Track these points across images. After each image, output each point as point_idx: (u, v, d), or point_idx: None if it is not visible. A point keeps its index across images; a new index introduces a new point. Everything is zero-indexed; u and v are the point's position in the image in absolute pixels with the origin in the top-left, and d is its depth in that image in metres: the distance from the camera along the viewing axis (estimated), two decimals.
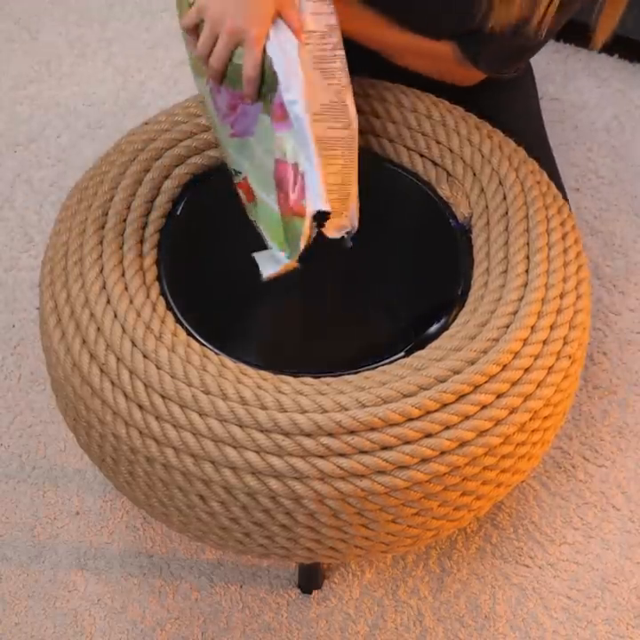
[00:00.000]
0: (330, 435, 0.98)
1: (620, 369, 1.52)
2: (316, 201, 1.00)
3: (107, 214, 1.15)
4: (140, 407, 1.01)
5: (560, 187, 1.25)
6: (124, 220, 1.14)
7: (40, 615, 1.34)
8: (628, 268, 1.62)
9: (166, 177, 1.19)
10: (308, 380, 1.03)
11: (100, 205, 1.15)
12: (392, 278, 1.14)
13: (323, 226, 1.01)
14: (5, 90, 1.88)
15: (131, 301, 1.08)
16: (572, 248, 1.13)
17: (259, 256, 1.07)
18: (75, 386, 1.05)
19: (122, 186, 1.16)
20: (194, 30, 1.04)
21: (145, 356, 1.04)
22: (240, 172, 1.09)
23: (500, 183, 1.16)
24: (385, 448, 0.98)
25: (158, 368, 1.03)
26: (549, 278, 1.09)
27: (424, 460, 0.99)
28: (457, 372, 1.02)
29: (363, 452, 0.98)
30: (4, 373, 1.53)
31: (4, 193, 1.73)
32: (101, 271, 1.10)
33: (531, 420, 1.04)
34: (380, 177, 1.20)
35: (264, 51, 1.01)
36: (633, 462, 1.44)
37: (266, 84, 1.02)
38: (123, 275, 1.10)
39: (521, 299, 1.08)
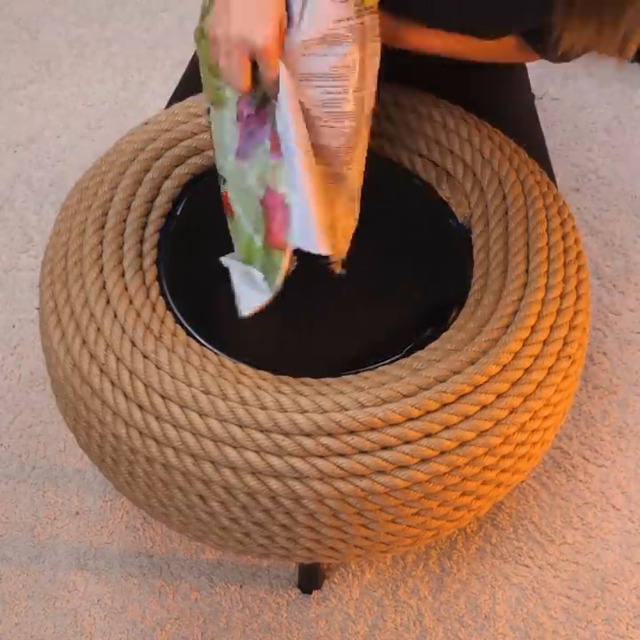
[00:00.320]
0: (329, 435, 0.98)
1: (619, 369, 1.52)
2: (297, 238, 0.99)
3: (107, 214, 1.15)
4: (140, 407, 1.01)
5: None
6: (124, 220, 1.14)
7: (40, 615, 1.34)
8: (627, 267, 1.62)
9: (166, 177, 1.19)
10: (308, 380, 1.03)
11: (99, 205, 1.15)
12: (392, 279, 1.14)
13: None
14: (5, 90, 1.88)
15: (130, 301, 1.08)
16: (572, 248, 1.13)
17: (240, 290, 1.06)
18: (75, 386, 1.05)
19: (122, 186, 1.16)
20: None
21: (145, 357, 1.04)
22: (226, 181, 1.08)
23: (500, 184, 1.16)
24: (385, 448, 0.98)
25: (158, 368, 1.03)
26: (549, 279, 1.09)
27: (424, 460, 0.99)
28: (457, 372, 1.02)
29: (362, 451, 0.98)
30: (4, 373, 1.53)
31: (3, 193, 1.73)
32: (101, 271, 1.10)
33: (531, 419, 1.04)
34: (379, 177, 1.20)
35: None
36: (633, 462, 1.44)
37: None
38: (123, 275, 1.10)
39: (521, 299, 1.08)
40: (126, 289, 1.09)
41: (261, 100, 1.02)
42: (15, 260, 1.65)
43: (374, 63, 1.02)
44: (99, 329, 1.06)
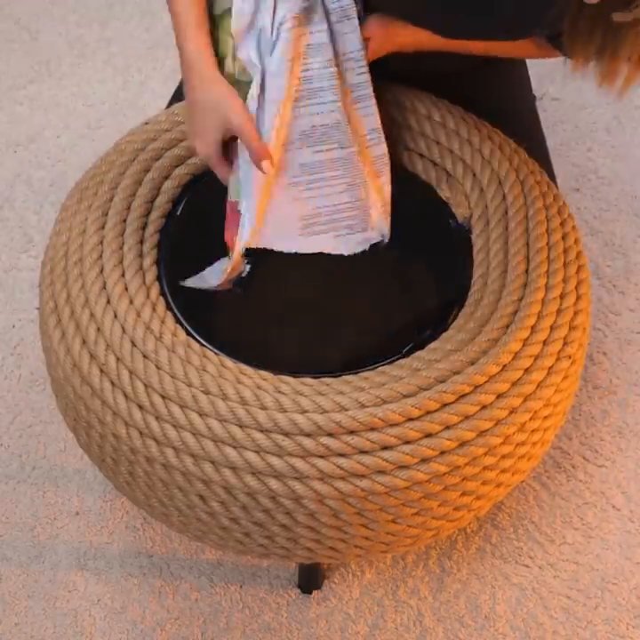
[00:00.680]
0: (330, 435, 0.98)
1: (619, 369, 1.52)
2: (242, 240, 1.09)
3: (107, 214, 1.15)
4: (140, 407, 1.01)
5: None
6: (124, 221, 1.14)
7: (40, 615, 1.34)
8: (627, 267, 1.62)
9: (166, 177, 1.19)
10: (308, 380, 1.03)
11: (100, 205, 1.15)
12: (392, 279, 1.14)
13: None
14: (5, 90, 1.88)
15: (131, 301, 1.08)
16: (572, 248, 1.13)
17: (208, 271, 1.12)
18: (75, 386, 1.05)
19: (122, 186, 1.16)
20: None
21: (145, 357, 1.04)
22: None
23: (500, 184, 1.16)
24: (385, 448, 0.98)
25: (158, 368, 1.03)
26: (549, 279, 1.09)
27: (424, 460, 0.99)
28: (457, 373, 1.02)
29: (363, 451, 0.98)
30: (4, 373, 1.53)
31: (3, 193, 1.73)
32: (101, 271, 1.10)
33: (531, 419, 1.04)
34: None
35: None
36: (633, 462, 1.44)
37: None
38: (123, 275, 1.10)
39: (521, 299, 1.08)
40: (126, 289, 1.09)
41: None
42: (15, 260, 1.65)
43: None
44: (99, 329, 1.06)
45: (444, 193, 1.18)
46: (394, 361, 1.06)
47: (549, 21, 0.98)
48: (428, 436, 0.99)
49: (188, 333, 1.08)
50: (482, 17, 1.03)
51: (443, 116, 1.21)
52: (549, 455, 1.44)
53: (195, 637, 1.32)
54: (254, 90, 1.05)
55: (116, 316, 1.06)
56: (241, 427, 0.98)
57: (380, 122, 1.12)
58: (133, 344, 1.04)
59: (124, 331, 1.05)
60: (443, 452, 0.99)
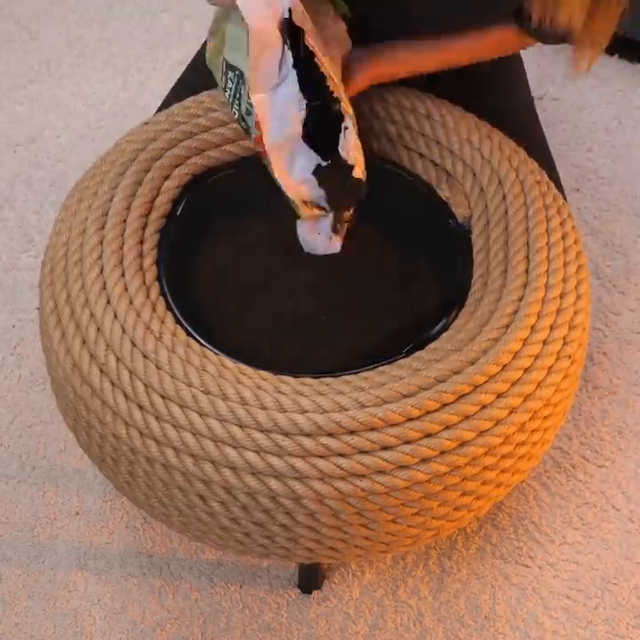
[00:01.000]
0: (330, 435, 0.98)
1: (619, 369, 1.52)
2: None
3: (107, 214, 1.15)
4: (140, 407, 1.01)
5: (559, 187, 1.25)
6: (124, 221, 1.14)
7: (40, 615, 1.34)
8: (627, 267, 1.62)
9: (166, 177, 1.19)
10: (308, 380, 1.03)
11: (100, 205, 1.15)
12: (392, 279, 1.14)
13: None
14: (5, 90, 1.88)
15: (131, 302, 1.08)
16: (571, 248, 1.13)
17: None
18: (75, 386, 1.05)
19: (122, 186, 1.16)
20: None
21: (145, 357, 1.04)
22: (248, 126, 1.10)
23: (500, 183, 1.16)
24: (385, 448, 0.98)
25: (158, 368, 1.03)
26: (549, 278, 1.09)
27: (424, 460, 0.99)
28: (457, 372, 1.02)
29: (363, 451, 0.98)
30: (4, 373, 1.53)
31: (3, 193, 1.73)
32: (101, 271, 1.10)
33: (531, 419, 1.04)
34: (380, 178, 1.20)
35: None
36: (633, 462, 1.44)
37: None
38: (123, 275, 1.10)
39: (521, 299, 1.08)
40: (126, 289, 1.09)
41: None
42: (15, 260, 1.65)
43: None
44: (99, 329, 1.06)
45: (444, 193, 1.18)
46: (394, 361, 1.06)
47: None
48: (428, 435, 0.99)
49: (188, 333, 1.08)
50: None
51: (442, 115, 1.21)
52: (549, 455, 1.44)
53: (195, 637, 1.32)
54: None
55: (116, 316, 1.06)
56: (241, 427, 0.98)
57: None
58: (133, 344, 1.04)
59: (124, 331, 1.05)
60: (443, 452, 0.99)
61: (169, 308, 1.10)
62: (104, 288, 1.09)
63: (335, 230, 1.10)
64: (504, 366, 1.03)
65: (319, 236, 1.10)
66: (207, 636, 1.32)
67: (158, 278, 1.12)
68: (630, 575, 1.36)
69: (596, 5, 1.09)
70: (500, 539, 1.38)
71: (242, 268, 1.14)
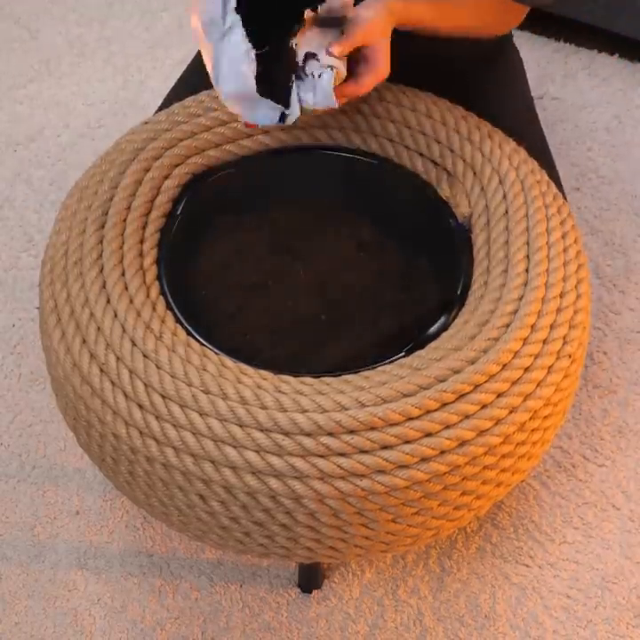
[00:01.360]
0: (330, 434, 0.98)
1: (619, 368, 1.52)
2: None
3: (107, 214, 1.15)
4: (140, 407, 1.01)
5: (559, 187, 1.25)
6: (124, 220, 1.14)
7: (40, 615, 1.34)
8: (627, 267, 1.62)
9: (166, 177, 1.19)
10: (308, 379, 1.03)
11: (100, 205, 1.15)
12: (391, 278, 1.14)
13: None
14: (5, 89, 1.88)
15: (131, 301, 1.08)
16: (571, 247, 1.13)
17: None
18: (75, 385, 1.05)
19: (122, 185, 1.16)
20: None
21: (145, 356, 1.04)
22: None
23: (500, 182, 1.16)
24: (385, 447, 0.98)
25: (158, 368, 1.03)
26: (549, 277, 1.09)
27: (424, 460, 0.99)
28: (457, 372, 1.02)
29: (363, 451, 0.98)
30: (4, 373, 1.53)
31: (3, 192, 1.73)
32: (101, 271, 1.10)
33: (531, 419, 1.04)
34: (380, 177, 1.21)
35: None
36: (633, 462, 1.44)
37: None
38: (123, 274, 1.10)
39: (521, 298, 1.08)
40: (126, 288, 1.09)
41: None
42: (15, 260, 1.65)
43: None
44: (99, 328, 1.06)
45: (445, 192, 1.18)
46: (394, 360, 1.06)
47: None
48: (428, 435, 0.99)
49: (188, 333, 1.08)
50: None
51: (443, 114, 1.21)
52: (549, 454, 1.44)
53: (195, 637, 1.32)
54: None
55: (116, 316, 1.06)
56: (241, 426, 0.98)
57: None
58: (133, 343, 1.04)
59: (124, 330, 1.05)
60: (443, 452, 0.99)
61: (169, 307, 1.10)
62: (104, 287, 1.09)
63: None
64: (504, 365, 1.03)
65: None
66: (207, 635, 1.32)
67: (158, 277, 1.12)
68: (630, 575, 1.36)
69: None
70: (500, 538, 1.38)
71: (242, 268, 1.14)
